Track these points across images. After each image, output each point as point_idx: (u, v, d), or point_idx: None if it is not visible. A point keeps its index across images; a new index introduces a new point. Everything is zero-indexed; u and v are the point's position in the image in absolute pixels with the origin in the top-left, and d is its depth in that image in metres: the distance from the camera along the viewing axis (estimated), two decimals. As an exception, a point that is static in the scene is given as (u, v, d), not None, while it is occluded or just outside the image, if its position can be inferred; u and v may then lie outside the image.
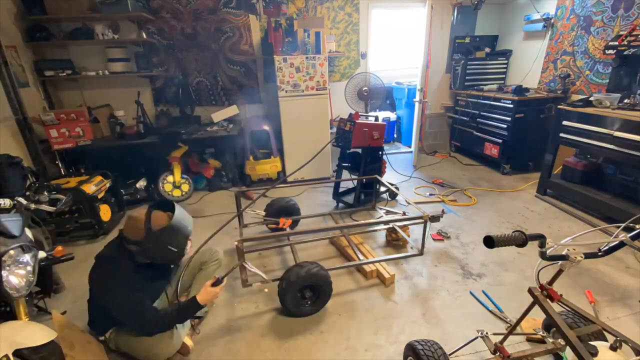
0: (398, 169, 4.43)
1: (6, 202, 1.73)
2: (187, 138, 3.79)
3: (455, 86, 4.94)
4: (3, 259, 1.41)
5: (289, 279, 1.94)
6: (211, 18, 4.05)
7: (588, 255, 1.19)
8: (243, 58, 4.29)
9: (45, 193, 1.96)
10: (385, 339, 1.87)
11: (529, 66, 4.42)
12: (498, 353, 1.39)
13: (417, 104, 4.47)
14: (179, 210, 1.69)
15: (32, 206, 1.84)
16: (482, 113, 4.40)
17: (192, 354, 1.82)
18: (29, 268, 1.51)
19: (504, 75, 4.84)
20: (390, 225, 2.71)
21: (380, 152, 3.41)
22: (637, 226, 1.19)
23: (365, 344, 1.84)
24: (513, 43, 4.71)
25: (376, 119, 3.47)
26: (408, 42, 5.56)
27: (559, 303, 1.28)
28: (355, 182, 3.41)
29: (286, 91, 3.78)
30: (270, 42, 3.84)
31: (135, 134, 3.77)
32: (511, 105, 3.89)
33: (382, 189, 3.41)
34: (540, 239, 1.17)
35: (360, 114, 3.44)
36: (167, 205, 1.73)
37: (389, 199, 3.46)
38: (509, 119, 3.95)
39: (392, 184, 3.00)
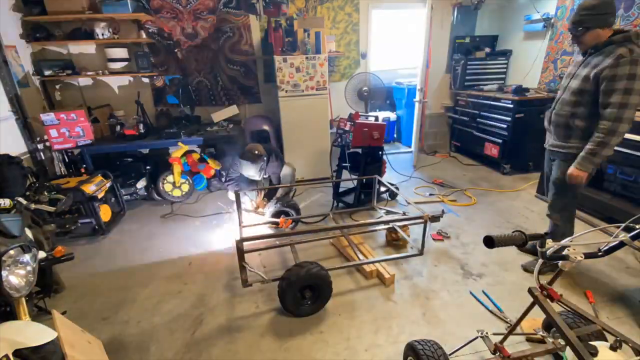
0: (398, 169, 4.43)
1: (6, 202, 1.73)
2: (187, 138, 3.79)
3: (455, 86, 4.94)
4: (3, 259, 1.41)
5: (289, 279, 1.94)
6: (211, 18, 4.05)
7: (588, 255, 1.19)
8: (243, 58, 4.29)
9: (45, 193, 1.96)
10: (385, 339, 1.87)
11: (529, 66, 4.42)
12: (498, 353, 1.39)
13: (417, 104, 4.47)
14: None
15: (32, 206, 1.84)
16: (482, 113, 4.40)
17: (192, 354, 1.82)
18: (29, 268, 1.51)
19: (504, 75, 4.84)
20: (390, 225, 2.71)
21: (380, 152, 3.41)
22: (637, 226, 1.19)
23: (365, 344, 1.84)
24: (513, 43, 4.71)
25: (376, 119, 3.47)
26: (408, 42, 5.55)
27: (559, 303, 1.28)
28: (355, 182, 3.41)
29: (286, 91, 3.77)
30: (270, 42, 3.85)
31: (135, 134, 3.77)
32: (511, 105, 3.89)
33: (382, 189, 3.41)
34: (540, 239, 1.17)
35: (360, 114, 3.44)
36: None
37: (389, 199, 3.46)
38: (509, 119, 3.95)
39: (392, 184, 3.01)
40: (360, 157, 3.31)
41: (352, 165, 3.44)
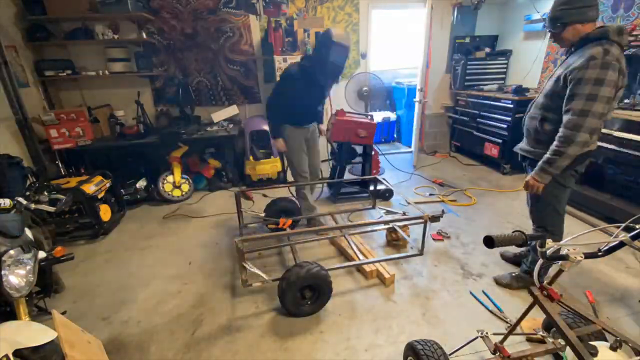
0: (398, 169, 4.43)
1: (6, 202, 1.73)
2: (187, 138, 3.80)
3: (455, 86, 4.94)
4: (3, 259, 1.41)
5: (289, 279, 1.94)
6: (211, 18, 4.05)
7: (588, 255, 1.19)
8: (243, 58, 4.29)
9: (45, 193, 1.96)
10: (385, 339, 1.87)
11: (529, 66, 4.42)
12: (498, 353, 1.39)
13: (417, 104, 4.47)
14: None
15: (32, 206, 1.84)
16: (482, 113, 4.40)
17: (192, 354, 1.82)
18: (29, 268, 1.51)
19: (504, 75, 4.84)
20: (390, 225, 2.71)
21: (371, 151, 3.46)
22: (637, 226, 1.18)
23: (365, 344, 1.84)
24: (513, 43, 4.71)
25: (371, 117, 3.51)
26: (408, 42, 5.56)
27: (559, 303, 1.28)
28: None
29: (286, 91, 3.76)
30: (270, 42, 3.84)
31: (135, 134, 3.77)
32: (511, 105, 3.89)
33: (380, 187, 3.42)
34: (540, 239, 1.17)
35: (348, 111, 3.52)
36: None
37: (379, 198, 3.48)
38: (509, 119, 3.95)
39: (387, 184, 3.01)
40: (342, 151, 3.46)
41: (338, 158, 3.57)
